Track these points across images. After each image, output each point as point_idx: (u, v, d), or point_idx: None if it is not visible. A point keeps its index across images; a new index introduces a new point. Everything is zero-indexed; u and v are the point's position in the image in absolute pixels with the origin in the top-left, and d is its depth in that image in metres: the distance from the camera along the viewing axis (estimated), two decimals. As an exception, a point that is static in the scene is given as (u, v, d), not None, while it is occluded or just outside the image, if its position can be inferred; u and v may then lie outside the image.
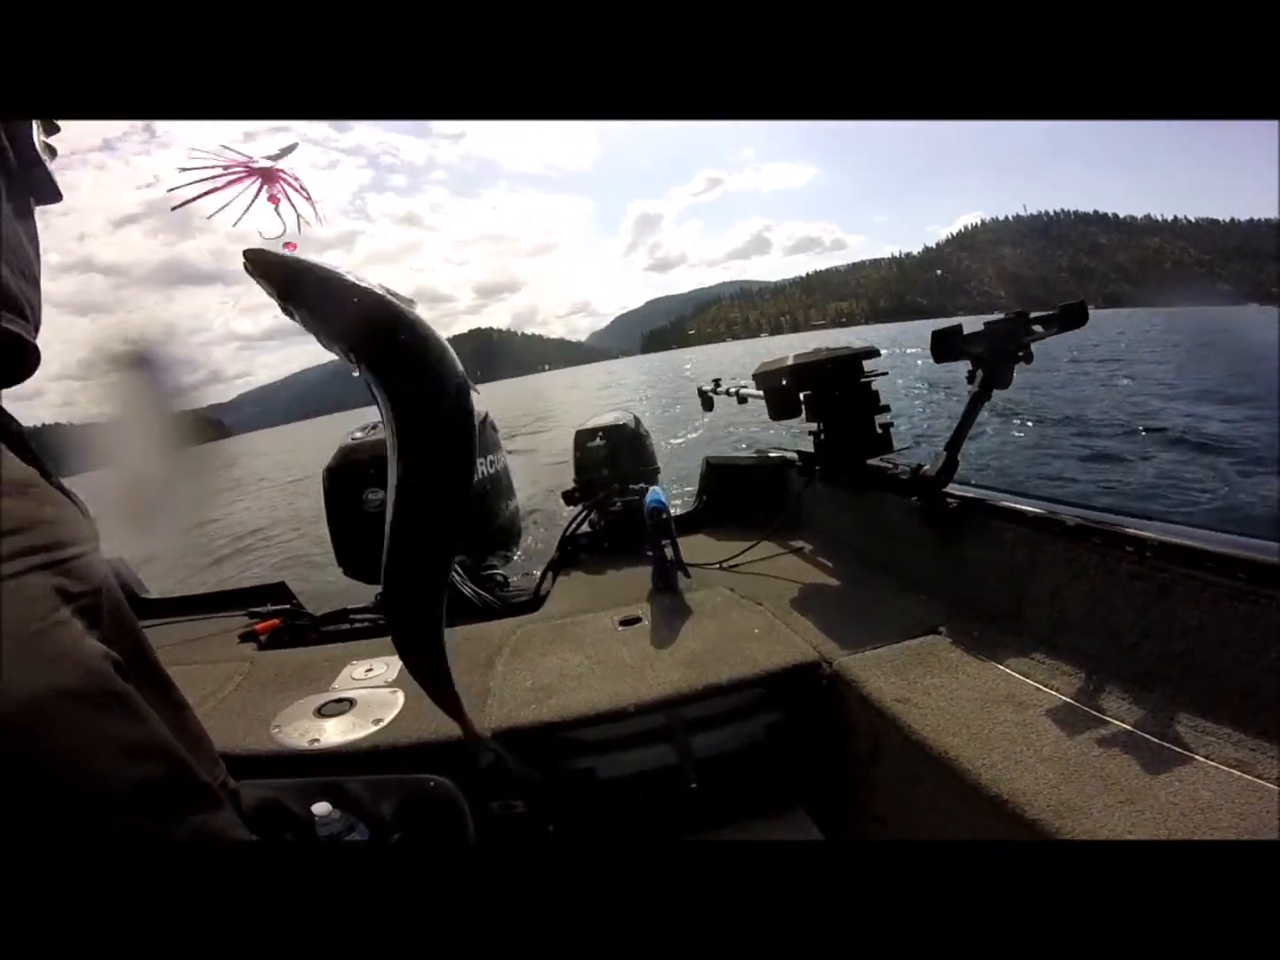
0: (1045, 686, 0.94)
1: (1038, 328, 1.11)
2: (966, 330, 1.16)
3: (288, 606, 1.89)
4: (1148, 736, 0.80)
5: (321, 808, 1.03)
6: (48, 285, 0.68)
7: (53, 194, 0.68)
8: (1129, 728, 0.82)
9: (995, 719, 0.88)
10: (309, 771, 1.07)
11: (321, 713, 1.19)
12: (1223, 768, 0.72)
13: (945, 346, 1.13)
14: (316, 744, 1.10)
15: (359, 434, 1.92)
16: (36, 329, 0.61)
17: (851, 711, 1.08)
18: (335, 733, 1.12)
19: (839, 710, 1.12)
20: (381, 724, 1.13)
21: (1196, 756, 0.75)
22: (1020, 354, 1.12)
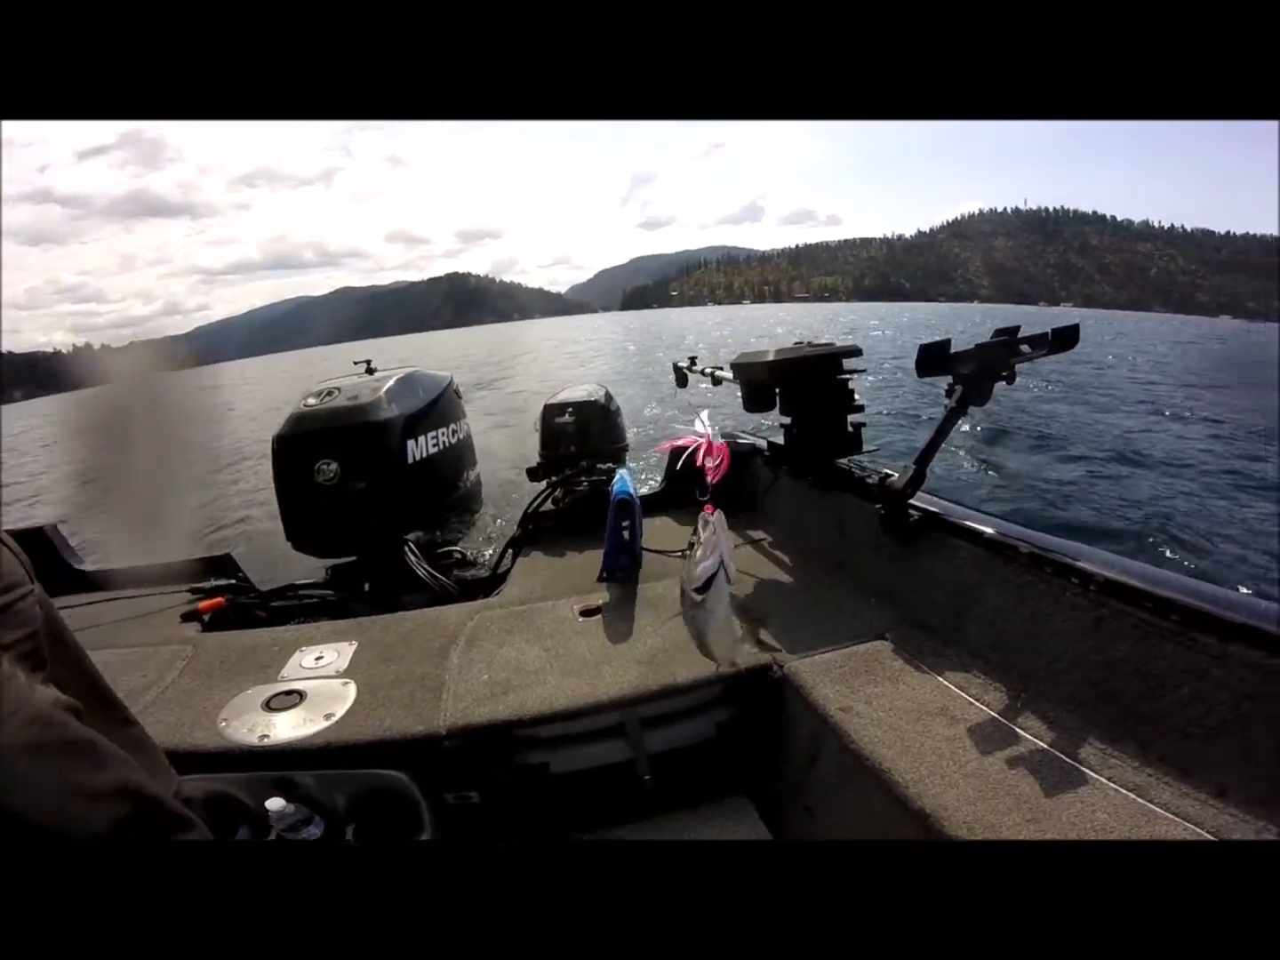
0: (977, 701, 0.98)
1: (1026, 348, 1.09)
2: (949, 332, 1.14)
3: (233, 582, 1.80)
4: (1061, 756, 0.84)
5: (275, 803, 1.00)
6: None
7: None
8: (1046, 746, 0.87)
9: (928, 732, 0.92)
10: (259, 768, 1.03)
11: (270, 706, 1.14)
12: (1122, 790, 0.78)
13: (931, 362, 1.09)
14: (266, 740, 1.06)
15: (313, 400, 1.78)
16: None
17: (796, 714, 1.11)
18: (286, 728, 1.08)
19: (785, 711, 1.15)
20: (333, 719, 1.09)
21: (1100, 779, 0.80)
22: (1004, 374, 1.10)
